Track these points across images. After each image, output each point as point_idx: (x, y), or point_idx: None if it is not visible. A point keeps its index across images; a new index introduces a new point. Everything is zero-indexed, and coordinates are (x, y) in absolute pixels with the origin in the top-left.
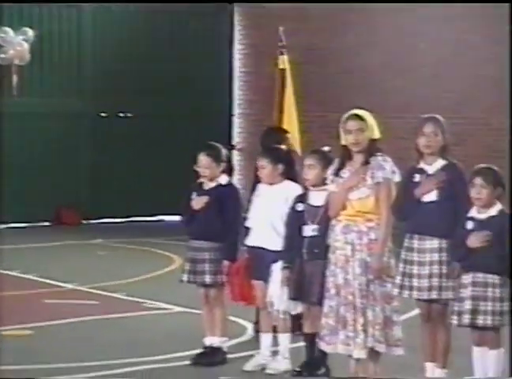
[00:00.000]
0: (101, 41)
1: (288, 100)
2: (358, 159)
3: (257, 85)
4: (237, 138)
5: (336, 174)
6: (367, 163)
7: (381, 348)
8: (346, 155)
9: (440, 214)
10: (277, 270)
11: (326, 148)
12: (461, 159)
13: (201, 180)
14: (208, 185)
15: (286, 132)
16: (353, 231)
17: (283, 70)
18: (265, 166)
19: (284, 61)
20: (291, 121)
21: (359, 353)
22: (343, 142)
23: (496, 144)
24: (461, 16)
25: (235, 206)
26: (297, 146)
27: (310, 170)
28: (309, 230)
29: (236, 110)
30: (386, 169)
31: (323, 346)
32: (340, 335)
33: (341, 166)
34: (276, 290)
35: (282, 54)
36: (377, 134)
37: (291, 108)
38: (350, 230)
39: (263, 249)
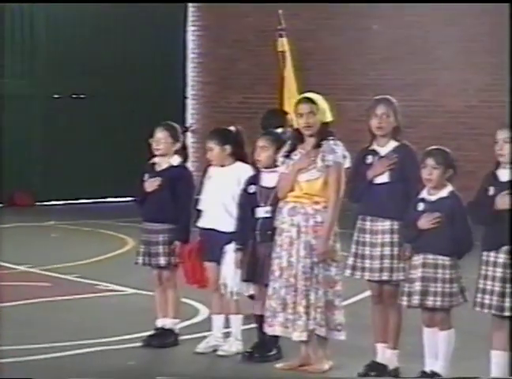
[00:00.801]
0: (54, 23)
1: (288, 82)
2: (310, 142)
3: (211, 67)
4: (190, 120)
5: (287, 156)
6: (318, 146)
7: (321, 332)
8: (298, 138)
9: (392, 195)
10: (230, 252)
11: (280, 130)
12: (415, 141)
13: (154, 160)
14: (161, 166)
15: (286, 113)
16: (299, 213)
17: (282, 52)
18: (213, 148)
19: (283, 44)
20: (291, 103)
21: (300, 335)
22: (295, 125)
23: (449, 126)
24: None
25: (187, 187)
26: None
27: (263, 151)
28: (262, 211)
29: (190, 92)
30: (337, 153)
31: (266, 328)
32: (279, 318)
33: (293, 149)
34: (229, 272)
35: (281, 36)
36: (329, 117)
37: (292, 89)
38: (296, 212)
39: (215, 230)
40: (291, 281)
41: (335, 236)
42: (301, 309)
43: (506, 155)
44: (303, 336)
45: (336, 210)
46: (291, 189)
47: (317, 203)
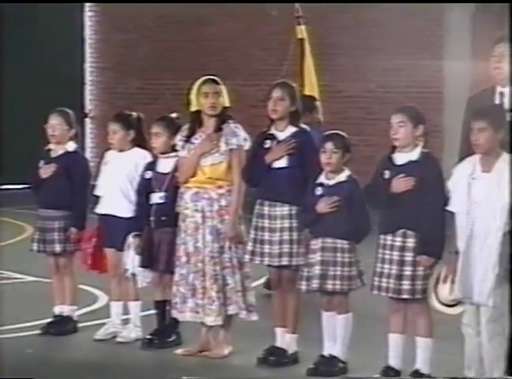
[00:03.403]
0: None
1: (308, 69)
2: (210, 124)
3: (109, 53)
4: (89, 106)
5: (187, 140)
6: (219, 129)
7: (242, 314)
8: (197, 121)
9: (290, 180)
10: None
11: (174, 115)
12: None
13: (49, 147)
14: (56, 152)
15: (315, 99)
16: (203, 199)
17: (301, 40)
18: (117, 131)
19: (302, 31)
20: (312, 90)
21: (216, 320)
22: (195, 108)
23: (347, 110)
24: None
25: (82, 174)
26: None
27: (157, 137)
28: (156, 197)
29: (88, 78)
30: (240, 136)
31: (175, 314)
32: (189, 303)
33: (192, 133)
34: (136, 260)
35: (299, 24)
36: (227, 102)
37: (312, 76)
38: (200, 198)
39: (114, 216)
40: (199, 266)
41: (239, 219)
42: (213, 293)
43: (400, 139)
44: (219, 321)
45: (241, 193)
46: (193, 175)
47: (220, 187)
